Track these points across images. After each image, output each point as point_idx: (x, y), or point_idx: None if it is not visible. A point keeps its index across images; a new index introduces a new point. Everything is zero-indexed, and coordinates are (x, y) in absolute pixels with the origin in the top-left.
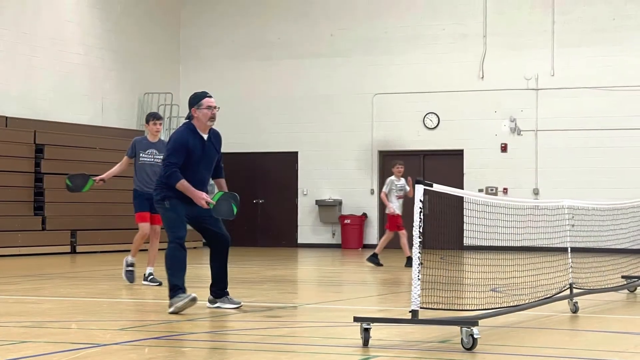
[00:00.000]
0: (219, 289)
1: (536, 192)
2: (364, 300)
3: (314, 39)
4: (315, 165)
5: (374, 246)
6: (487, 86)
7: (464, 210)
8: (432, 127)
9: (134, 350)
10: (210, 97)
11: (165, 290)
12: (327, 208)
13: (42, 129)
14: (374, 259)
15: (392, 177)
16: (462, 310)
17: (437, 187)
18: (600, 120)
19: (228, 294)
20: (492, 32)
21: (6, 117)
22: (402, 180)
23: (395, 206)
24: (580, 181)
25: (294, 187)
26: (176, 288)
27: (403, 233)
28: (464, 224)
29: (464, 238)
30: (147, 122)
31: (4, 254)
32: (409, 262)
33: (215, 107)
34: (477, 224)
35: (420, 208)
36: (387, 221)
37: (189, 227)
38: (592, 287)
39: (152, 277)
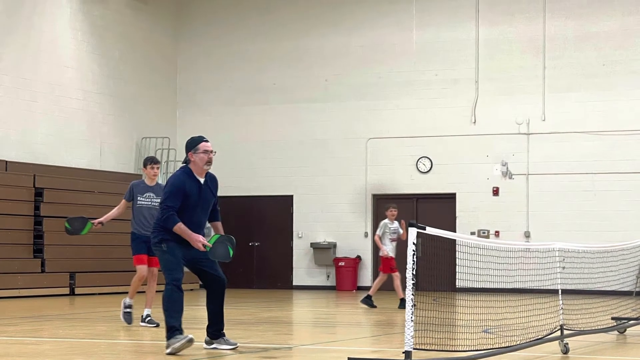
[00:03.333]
0: (215, 330)
1: (527, 235)
2: (358, 342)
3: (309, 84)
4: (310, 208)
5: (368, 288)
6: (479, 131)
7: (457, 252)
8: (425, 171)
9: None
10: (206, 141)
11: (162, 331)
12: (321, 250)
13: (42, 172)
14: (368, 301)
15: (386, 220)
16: (454, 351)
17: (430, 230)
18: (590, 164)
19: (225, 335)
20: (484, 77)
21: (6, 161)
22: (396, 224)
23: (388, 249)
24: (571, 224)
25: (289, 230)
26: (173, 329)
27: (396, 275)
28: (457, 266)
29: (457, 280)
30: (145, 165)
31: (4, 296)
32: (402, 303)
33: (211, 152)
34: (469, 266)
35: (413, 250)
36: (381, 263)
37: (185, 269)
38: (582, 329)
39: (149, 318)
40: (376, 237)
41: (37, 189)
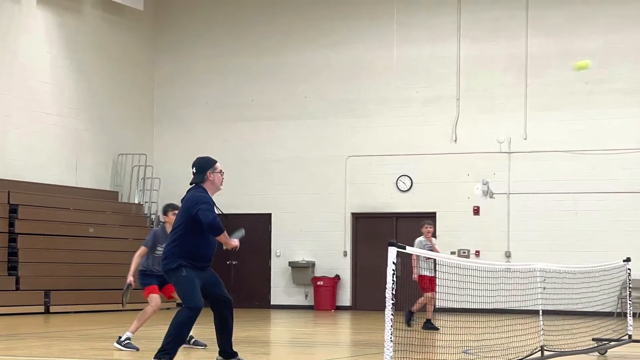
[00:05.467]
0: (227, 349)
1: (508, 255)
2: None
3: (288, 100)
4: (288, 227)
5: (347, 308)
6: (460, 149)
7: (437, 272)
8: (405, 189)
9: None
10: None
11: (140, 353)
12: (300, 269)
13: (16, 189)
14: (429, 325)
15: (421, 238)
16: None
17: (409, 250)
18: (572, 184)
19: (237, 354)
20: (465, 95)
21: None
22: (434, 240)
23: (424, 267)
24: (552, 244)
25: (267, 249)
26: (165, 353)
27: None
28: (437, 286)
29: (437, 300)
30: (166, 213)
31: None
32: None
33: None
34: (450, 286)
35: (393, 270)
36: (419, 285)
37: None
38: (563, 350)
39: (128, 342)
40: (413, 257)
41: (12, 205)
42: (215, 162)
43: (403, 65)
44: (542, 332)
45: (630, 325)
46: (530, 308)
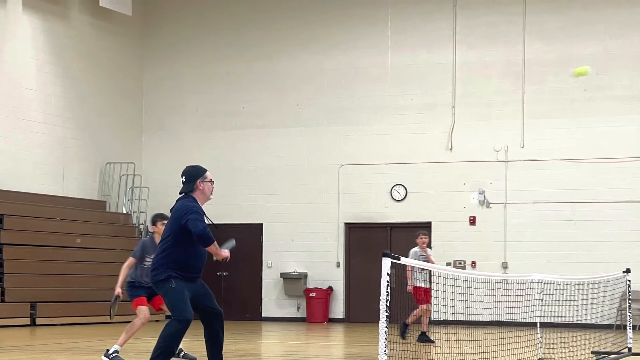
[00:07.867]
0: None
1: (505, 266)
2: None
3: (280, 108)
4: (280, 237)
5: (340, 320)
6: (456, 158)
7: (432, 283)
8: (400, 199)
9: None
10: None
11: None
12: (292, 281)
13: (1, 198)
14: (424, 337)
15: (416, 249)
16: None
17: (404, 260)
18: (570, 193)
19: None
20: (461, 103)
21: None
22: (429, 251)
23: (419, 278)
24: (550, 255)
25: (258, 260)
26: None
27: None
28: (432, 298)
29: (432, 312)
30: (155, 223)
31: None
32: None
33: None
34: (445, 297)
35: (387, 281)
36: (414, 296)
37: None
38: None
39: (116, 355)
40: (408, 269)
41: None
42: (205, 171)
43: (397, 72)
44: (540, 345)
45: (630, 338)
46: (527, 320)
